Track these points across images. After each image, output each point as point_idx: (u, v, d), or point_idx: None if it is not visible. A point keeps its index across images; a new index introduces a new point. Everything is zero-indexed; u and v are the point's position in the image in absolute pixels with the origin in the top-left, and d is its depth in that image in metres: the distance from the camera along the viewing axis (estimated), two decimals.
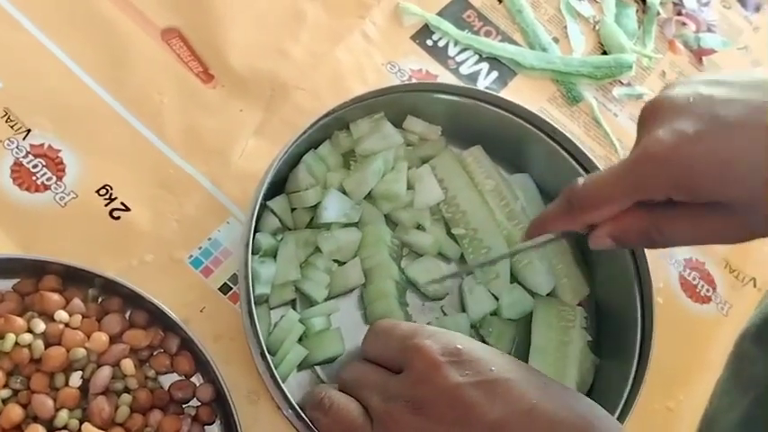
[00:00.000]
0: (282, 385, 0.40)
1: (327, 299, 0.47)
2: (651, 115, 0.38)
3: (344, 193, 0.48)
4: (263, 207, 0.46)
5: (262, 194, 0.43)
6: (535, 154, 0.52)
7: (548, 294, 0.50)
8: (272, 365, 0.40)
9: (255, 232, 0.45)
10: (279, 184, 0.48)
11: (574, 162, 0.51)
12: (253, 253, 0.44)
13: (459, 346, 0.36)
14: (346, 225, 0.48)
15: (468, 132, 0.52)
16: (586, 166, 0.50)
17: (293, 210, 0.48)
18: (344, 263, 0.47)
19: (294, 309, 0.46)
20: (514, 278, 0.50)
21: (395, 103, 0.49)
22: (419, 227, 0.50)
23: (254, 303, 0.42)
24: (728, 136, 0.34)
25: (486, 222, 0.50)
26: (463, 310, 0.49)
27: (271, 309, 0.46)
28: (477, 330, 0.49)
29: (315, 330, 0.45)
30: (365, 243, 0.48)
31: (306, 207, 0.47)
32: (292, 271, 0.45)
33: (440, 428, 0.35)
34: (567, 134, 0.50)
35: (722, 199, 0.35)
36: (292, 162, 0.48)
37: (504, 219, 0.51)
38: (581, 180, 0.39)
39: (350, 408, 0.38)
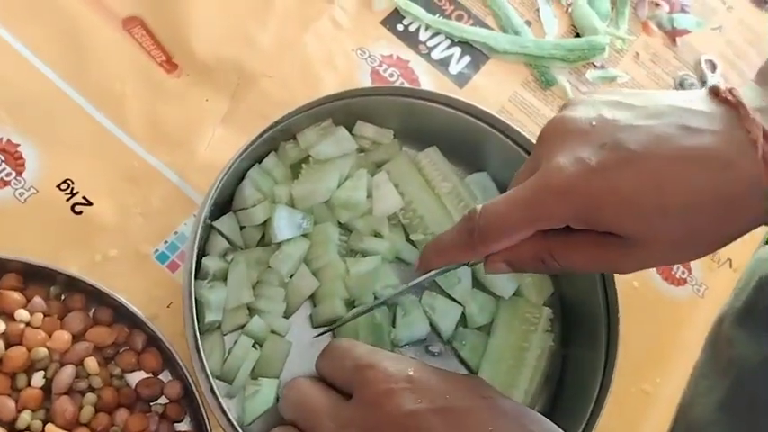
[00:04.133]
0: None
1: (286, 315, 0.45)
2: (553, 136, 0.37)
3: (293, 201, 0.46)
4: (210, 228, 0.44)
5: (203, 217, 0.41)
6: (491, 152, 0.50)
7: (513, 295, 0.49)
8: (224, 406, 0.38)
9: (203, 256, 0.43)
10: (225, 204, 0.46)
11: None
12: (201, 278, 0.43)
13: (411, 373, 0.36)
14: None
15: (422, 133, 0.50)
16: None
17: (242, 228, 0.46)
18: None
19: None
20: (476, 282, 0.49)
21: (343, 109, 0.47)
22: (377, 235, 0.48)
23: (205, 332, 0.41)
24: (630, 167, 0.33)
25: (445, 227, 0.48)
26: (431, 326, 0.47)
27: (224, 335, 0.44)
28: (450, 344, 0.47)
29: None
30: (313, 243, 0.46)
31: (255, 225, 0.45)
32: (245, 293, 0.43)
33: None
34: (521, 131, 0.48)
35: (621, 232, 0.34)
36: (237, 179, 0.46)
37: None
38: (479, 208, 0.38)
39: None
